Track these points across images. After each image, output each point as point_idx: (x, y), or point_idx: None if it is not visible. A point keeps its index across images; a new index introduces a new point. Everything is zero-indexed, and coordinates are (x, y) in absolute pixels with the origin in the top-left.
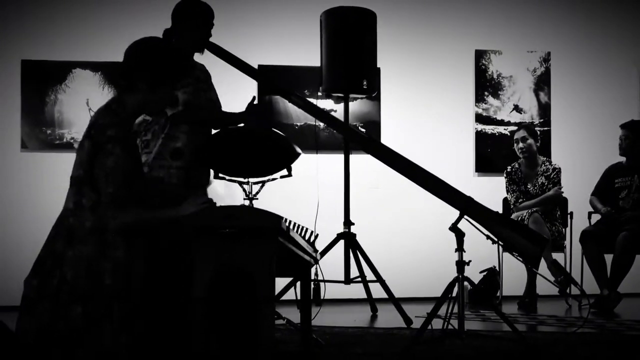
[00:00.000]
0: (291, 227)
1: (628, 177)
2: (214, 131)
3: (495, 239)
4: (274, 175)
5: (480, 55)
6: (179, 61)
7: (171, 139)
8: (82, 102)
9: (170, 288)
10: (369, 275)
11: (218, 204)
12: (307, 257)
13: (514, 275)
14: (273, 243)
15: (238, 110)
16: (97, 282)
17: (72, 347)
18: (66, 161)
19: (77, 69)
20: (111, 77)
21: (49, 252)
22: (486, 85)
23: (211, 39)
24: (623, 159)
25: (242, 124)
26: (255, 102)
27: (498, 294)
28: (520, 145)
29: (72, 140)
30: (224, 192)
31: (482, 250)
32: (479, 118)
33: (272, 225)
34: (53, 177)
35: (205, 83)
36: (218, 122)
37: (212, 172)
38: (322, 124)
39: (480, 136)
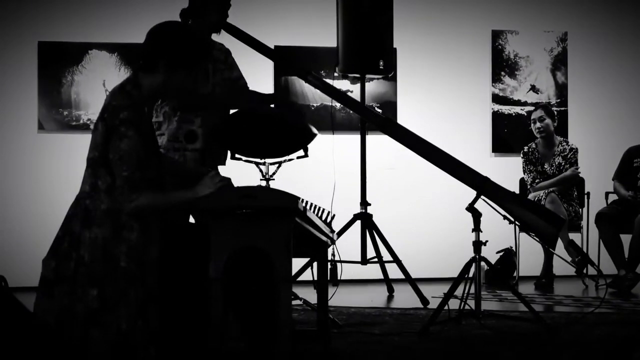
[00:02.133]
0: (308, 207)
1: None
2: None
3: (512, 219)
4: (291, 156)
5: (497, 35)
6: (199, 47)
7: (185, 121)
8: (98, 83)
9: (186, 270)
10: (386, 256)
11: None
12: (323, 238)
13: (530, 255)
14: (290, 223)
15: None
16: (112, 265)
17: (90, 328)
18: (83, 142)
19: (94, 50)
20: (131, 57)
21: (67, 232)
22: (503, 65)
23: (228, 20)
24: None
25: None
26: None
27: (515, 274)
28: (538, 125)
29: (88, 122)
30: None
31: (498, 230)
32: (496, 98)
33: (289, 206)
34: (70, 158)
35: (224, 63)
36: (235, 104)
37: (228, 153)
38: (338, 105)
39: (497, 116)
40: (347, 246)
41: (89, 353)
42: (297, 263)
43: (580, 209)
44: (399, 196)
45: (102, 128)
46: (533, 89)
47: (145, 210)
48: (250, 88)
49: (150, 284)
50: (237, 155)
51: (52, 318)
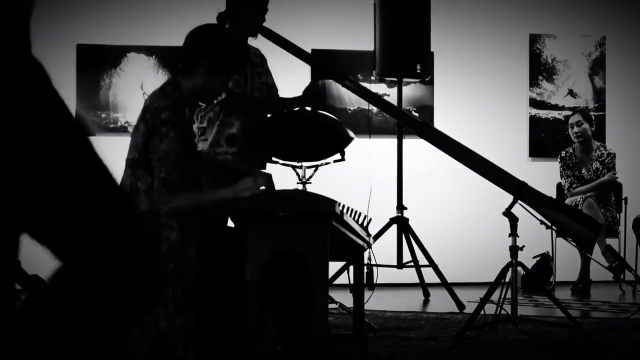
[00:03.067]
0: (345, 211)
1: None
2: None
3: (549, 224)
4: (327, 160)
5: (534, 39)
6: (238, 51)
7: (226, 125)
8: (136, 86)
9: (222, 272)
10: (422, 260)
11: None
12: (360, 241)
13: (567, 260)
14: (327, 227)
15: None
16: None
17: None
18: (120, 144)
19: (132, 52)
20: (169, 60)
21: None
22: (540, 69)
23: (265, 24)
24: None
25: (297, 107)
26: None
27: (551, 279)
28: (575, 129)
29: (126, 124)
30: None
31: (535, 235)
32: (533, 103)
33: (326, 209)
34: (108, 160)
35: (260, 67)
36: (269, 107)
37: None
38: (375, 109)
39: (534, 121)
40: (383, 250)
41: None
42: (333, 267)
43: (618, 214)
44: (435, 200)
45: (143, 129)
46: (571, 93)
47: (181, 211)
48: (288, 92)
49: (189, 283)
50: (274, 159)
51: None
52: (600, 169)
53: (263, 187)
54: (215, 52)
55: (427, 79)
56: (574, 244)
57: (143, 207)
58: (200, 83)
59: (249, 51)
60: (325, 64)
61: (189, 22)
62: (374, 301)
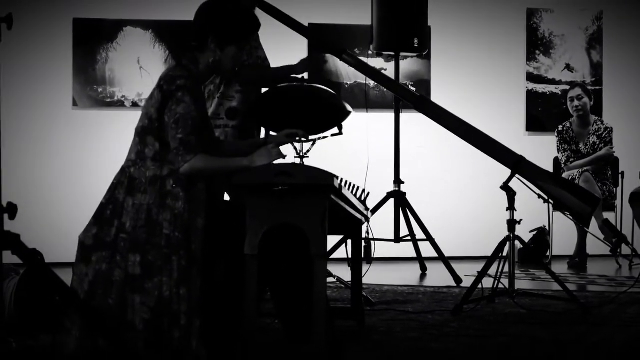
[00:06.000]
0: (343, 185)
1: None
2: (263, 90)
3: (547, 198)
4: (325, 134)
5: (532, 13)
6: (247, 22)
7: (226, 99)
8: (133, 60)
9: (228, 243)
10: (419, 234)
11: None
12: (358, 215)
13: (564, 234)
14: (325, 200)
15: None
16: (156, 232)
17: (128, 294)
18: (117, 119)
19: (128, 27)
20: (164, 34)
21: (110, 200)
22: (537, 44)
23: None
24: None
25: (293, 75)
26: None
27: (548, 253)
28: (576, 103)
29: (122, 99)
30: None
31: (532, 209)
32: (530, 77)
33: (324, 183)
34: (104, 135)
35: (256, 41)
36: (269, 79)
37: (262, 130)
38: (372, 83)
39: (531, 95)
40: (381, 224)
41: (128, 318)
42: (331, 241)
43: (615, 189)
44: (432, 174)
45: (158, 95)
46: (568, 67)
47: (200, 172)
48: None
49: (195, 254)
50: (271, 133)
51: (87, 284)
52: (598, 143)
53: (280, 157)
54: (222, 25)
55: (424, 53)
56: (571, 218)
57: (149, 173)
58: (213, 58)
59: (257, 19)
60: (323, 38)
61: None
62: (372, 275)
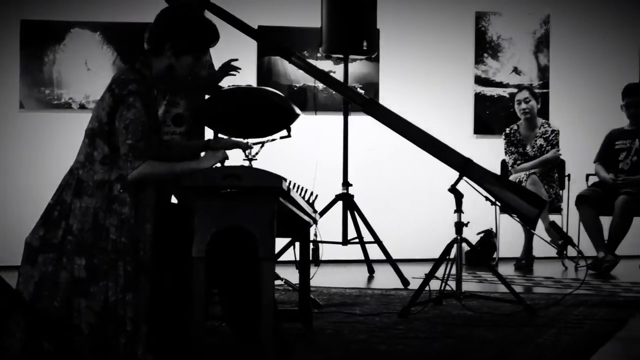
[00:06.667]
0: (291, 187)
1: (628, 140)
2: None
3: (494, 200)
4: (274, 136)
5: (480, 16)
6: (208, 33)
7: (172, 105)
8: (80, 62)
9: (176, 247)
10: (367, 237)
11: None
12: (306, 218)
13: (510, 237)
14: (274, 203)
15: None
16: (102, 236)
17: (74, 297)
18: (64, 121)
19: (76, 28)
20: (113, 36)
21: (58, 201)
22: (486, 47)
23: (211, 0)
24: (623, 123)
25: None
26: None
27: (495, 255)
28: (523, 106)
29: (70, 100)
30: None
31: (480, 212)
32: (478, 80)
33: (273, 185)
34: (51, 137)
35: None
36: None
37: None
38: (321, 85)
39: (479, 98)
40: (329, 227)
41: (74, 322)
42: (279, 243)
43: (561, 191)
44: (380, 177)
45: (109, 99)
46: (515, 70)
47: (148, 178)
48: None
49: (142, 259)
50: (220, 135)
51: (32, 285)
52: (544, 145)
53: (225, 159)
54: (182, 34)
55: (373, 56)
56: (518, 220)
57: (97, 177)
58: (167, 64)
59: (217, 31)
60: (272, 41)
61: None
62: (320, 277)
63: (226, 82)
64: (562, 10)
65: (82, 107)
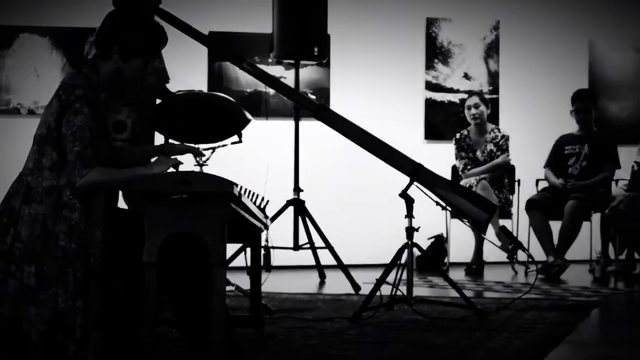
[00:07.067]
0: (242, 193)
1: (578, 145)
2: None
3: (444, 205)
4: (224, 142)
5: (431, 22)
6: (156, 36)
7: (113, 111)
8: (29, 67)
9: (127, 253)
10: (318, 242)
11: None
12: (257, 223)
13: (461, 242)
14: (225, 209)
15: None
16: (51, 243)
17: (23, 304)
18: (12, 127)
19: (25, 33)
20: (62, 41)
21: (7, 208)
22: (436, 52)
23: (161, 6)
24: (572, 128)
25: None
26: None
27: (445, 260)
28: (473, 111)
29: (19, 106)
30: None
31: (430, 217)
32: (429, 85)
33: (224, 191)
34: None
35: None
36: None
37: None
38: (272, 91)
39: (429, 104)
40: (280, 232)
41: (24, 329)
42: (230, 249)
43: (511, 196)
44: (332, 182)
45: (56, 105)
46: (466, 76)
47: (97, 185)
48: (187, 75)
49: (93, 266)
50: (170, 141)
51: None
52: (494, 150)
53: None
54: (129, 38)
55: (323, 62)
56: (468, 225)
57: (46, 183)
58: (115, 67)
59: (165, 34)
60: (223, 47)
61: (84, 2)
62: (271, 283)
63: (176, 88)
64: (512, 16)
65: (31, 112)
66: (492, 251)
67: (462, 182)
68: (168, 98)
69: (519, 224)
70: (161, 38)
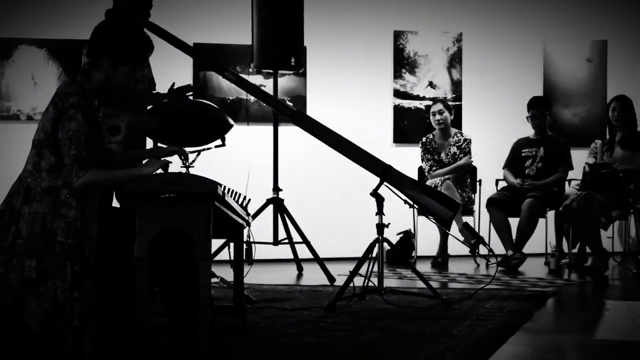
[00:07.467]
0: (226, 192)
1: (534, 148)
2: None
3: (412, 204)
4: (209, 145)
5: (398, 35)
6: (142, 44)
7: (108, 116)
8: (27, 76)
9: (120, 248)
10: (296, 237)
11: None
12: (240, 220)
13: (427, 237)
14: (210, 207)
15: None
16: (50, 239)
17: (24, 296)
18: (12, 132)
19: (23, 45)
20: (58, 52)
21: (8, 207)
22: (404, 63)
23: (150, 19)
24: (529, 132)
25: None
26: (175, 86)
27: (413, 254)
28: (437, 117)
29: (18, 112)
30: None
31: (399, 214)
32: (397, 93)
33: (209, 191)
34: (0, 146)
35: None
36: (143, 103)
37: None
38: (252, 98)
39: (397, 110)
40: (261, 228)
41: (25, 319)
42: (215, 244)
43: (473, 195)
44: (309, 182)
45: (52, 111)
46: (431, 85)
47: (93, 185)
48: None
49: (88, 259)
50: (159, 144)
51: None
52: (458, 153)
53: (167, 164)
54: (118, 46)
55: (300, 71)
56: (434, 222)
57: (45, 184)
58: (105, 75)
59: (151, 42)
60: (207, 57)
61: (79, 15)
62: (252, 275)
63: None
64: (474, 29)
65: (30, 118)
66: (456, 245)
67: (428, 182)
68: (158, 105)
69: (481, 220)
70: (148, 46)
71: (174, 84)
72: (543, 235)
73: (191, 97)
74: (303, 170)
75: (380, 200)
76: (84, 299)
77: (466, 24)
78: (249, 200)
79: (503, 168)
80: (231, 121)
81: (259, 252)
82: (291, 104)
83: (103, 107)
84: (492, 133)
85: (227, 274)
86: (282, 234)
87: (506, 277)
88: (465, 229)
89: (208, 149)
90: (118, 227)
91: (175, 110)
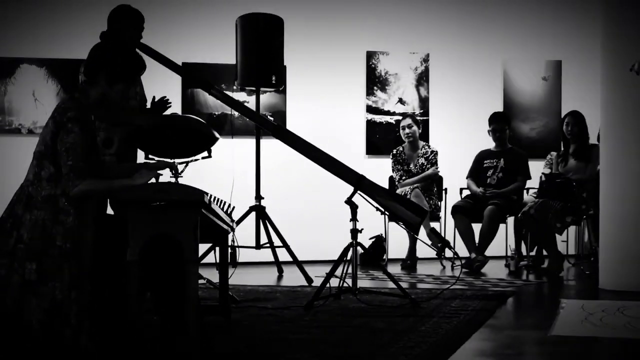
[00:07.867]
0: (212, 200)
1: (495, 159)
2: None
3: (383, 210)
4: (196, 157)
5: (370, 55)
6: (136, 63)
7: (101, 130)
8: (28, 93)
9: (114, 252)
10: (276, 242)
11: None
12: (225, 226)
13: (397, 241)
14: (197, 214)
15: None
16: (50, 243)
17: (25, 296)
18: (14, 145)
19: (25, 64)
20: (57, 71)
21: (10, 214)
22: (375, 81)
23: (141, 40)
24: (490, 145)
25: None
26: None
27: (384, 257)
28: (407, 131)
29: (19, 127)
30: None
31: (371, 220)
32: (369, 109)
33: (196, 199)
34: (3, 158)
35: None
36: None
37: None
38: (236, 113)
39: (370, 124)
40: (244, 234)
41: (25, 318)
42: (202, 248)
43: (439, 202)
44: (289, 191)
45: (52, 125)
46: (400, 101)
47: (89, 193)
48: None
49: (84, 262)
50: (150, 156)
51: None
52: (425, 164)
53: (158, 175)
54: (113, 65)
55: (280, 89)
56: (404, 227)
57: (45, 192)
58: (101, 92)
59: (143, 61)
60: (194, 75)
61: (78, 36)
62: (236, 277)
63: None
64: (440, 51)
65: (30, 132)
66: (424, 249)
67: (398, 191)
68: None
69: (446, 226)
70: (140, 65)
71: (154, 97)
72: (503, 239)
73: (176, 112)
74: (283, 179)
75: (354, 208)
76: (81, 299)
77: (433, 45)
78: (233, 207)
79: (466, 178)
80: (217, 134)
81: (242, 256)
82: (272, 118)
83: (98, 121)
84: (457, 145)
85: (213, 275)
86: (263, 239)
87: (470, 278)
88: (433, 234)
89: (195, 160)
90: (112, 233)
91: (148, 128)
